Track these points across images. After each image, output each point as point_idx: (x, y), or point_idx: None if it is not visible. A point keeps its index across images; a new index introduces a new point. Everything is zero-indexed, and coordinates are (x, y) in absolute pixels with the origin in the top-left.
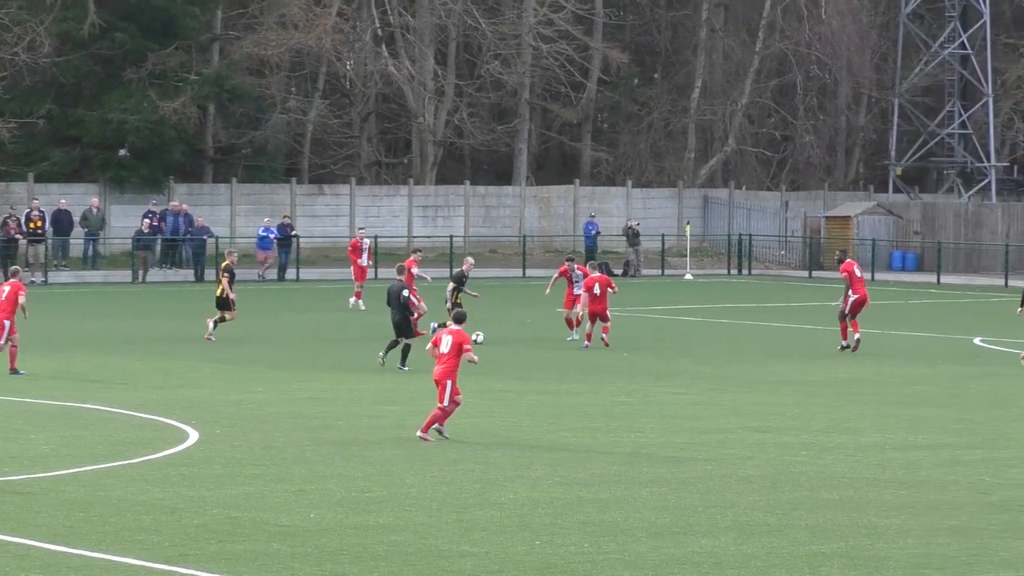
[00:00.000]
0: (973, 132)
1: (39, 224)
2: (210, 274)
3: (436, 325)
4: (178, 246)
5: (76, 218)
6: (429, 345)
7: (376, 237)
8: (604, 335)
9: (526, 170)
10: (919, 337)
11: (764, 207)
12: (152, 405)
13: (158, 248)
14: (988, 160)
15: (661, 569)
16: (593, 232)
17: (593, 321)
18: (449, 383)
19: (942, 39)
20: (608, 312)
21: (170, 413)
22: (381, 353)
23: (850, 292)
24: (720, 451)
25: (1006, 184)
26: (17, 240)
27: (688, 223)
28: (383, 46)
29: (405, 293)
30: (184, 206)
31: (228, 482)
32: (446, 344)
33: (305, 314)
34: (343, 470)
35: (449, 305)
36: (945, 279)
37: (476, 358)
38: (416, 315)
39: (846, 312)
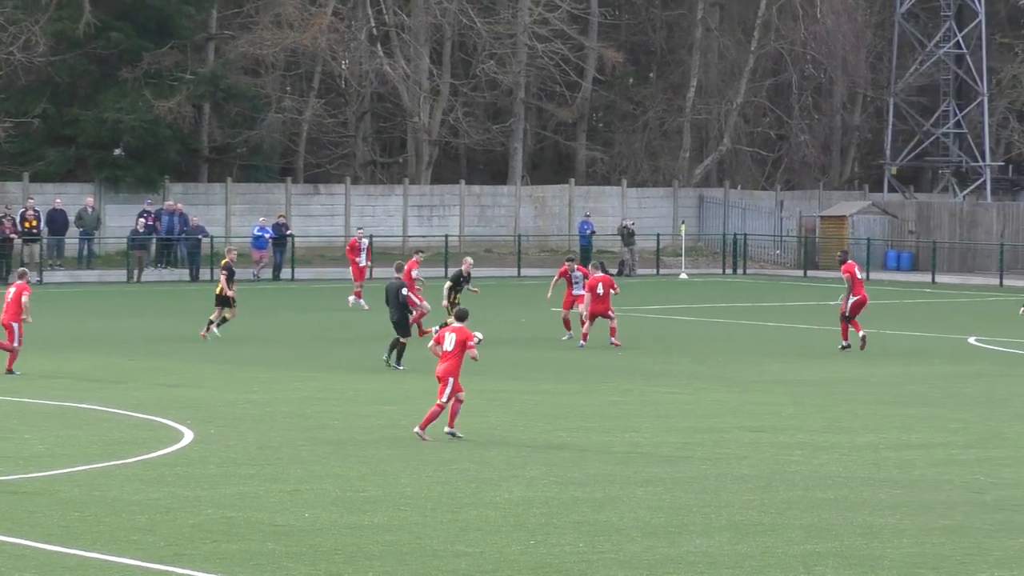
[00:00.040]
0: (968, 131)
1: (34, 224)
2: (205, 274)
3: (438, 328)
4: (173, 246)
5: (71, 218)
6: (431, 343)
7: (371, 236)
8: (613, 338)
9: (521, 169)
10: (914, 336)
11: (759, 206)
12: (147, 405)
13: (153, 248)
14: (983, 159)
15: (656, 568)
16: (588, 232)
17: (593, 320)
18: (451, 380)
19: (937, 38)
20: (611, 312)
21: (165, 413)
22: (385, 356)
23: (850, 294)
24: (715, 450)
25: (1001, 183)
26: (12, 240)
27: (683, 222)
28: (378, 45)
29: (404, 291)
30: (179, 206)
31: (223, 482)
32: (450, 341)
33: (300, 314)
34: (338, 470)
35: (446, 304)
36: (940, 279)
37: (478, 355)
38: (419, 313)
39: (846, 313)
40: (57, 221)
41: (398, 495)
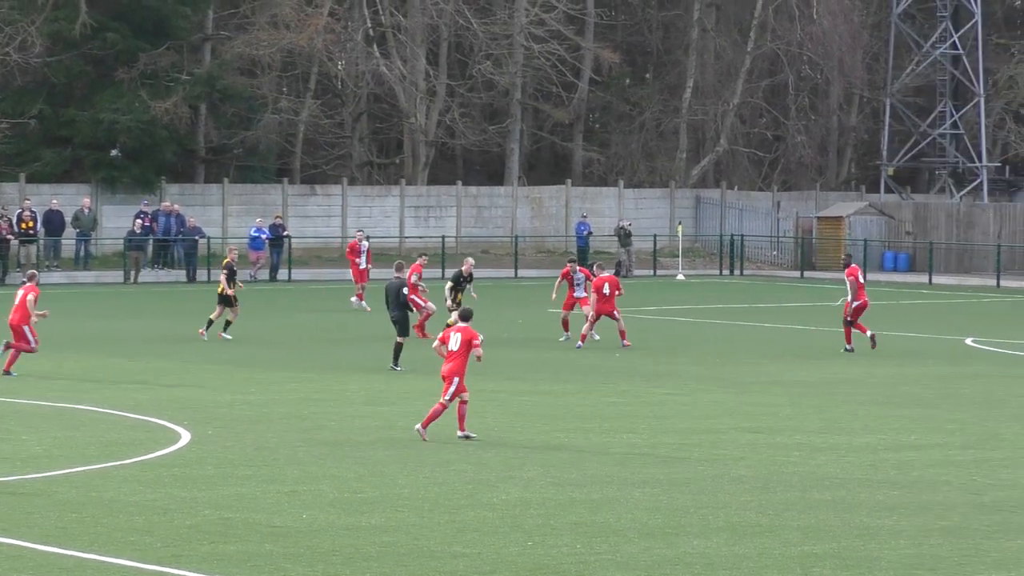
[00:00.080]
0: (965, 132)
1: (31, 224)
2: (202, 274)
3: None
4: (170, 246)
5: (68, 218)
6: (436, 343)
7: (368, 237)
8: (624, 340)
9: (518, 170)
10: (911, 338)
11: (756, 207)
12: (144, 406)
13: (150, 248)
14: (980, 160)
15: (653, 570)
16: (585, 232)
17: (598, 319)
18: (456, 380)
19: (933, 39)
20: (617, 312)
21: (162, 414)
22: (391, 365)
23: (854, 298)
24: (712, 452)
25: (998, 184)
26: (9, 241)
27: (680, 223)
28: (375, 46)
29: (405, 290)
30: (176, 206)
31: (220, 483)
32: (455, 341)
33: (297, 315)
34: (335, 471)
35: (450, 303)
36: (937, 279)
37: (482, 353)
38: (425, 315)
39: (847, 318)
40: (54, 222)
41: (395, 496)
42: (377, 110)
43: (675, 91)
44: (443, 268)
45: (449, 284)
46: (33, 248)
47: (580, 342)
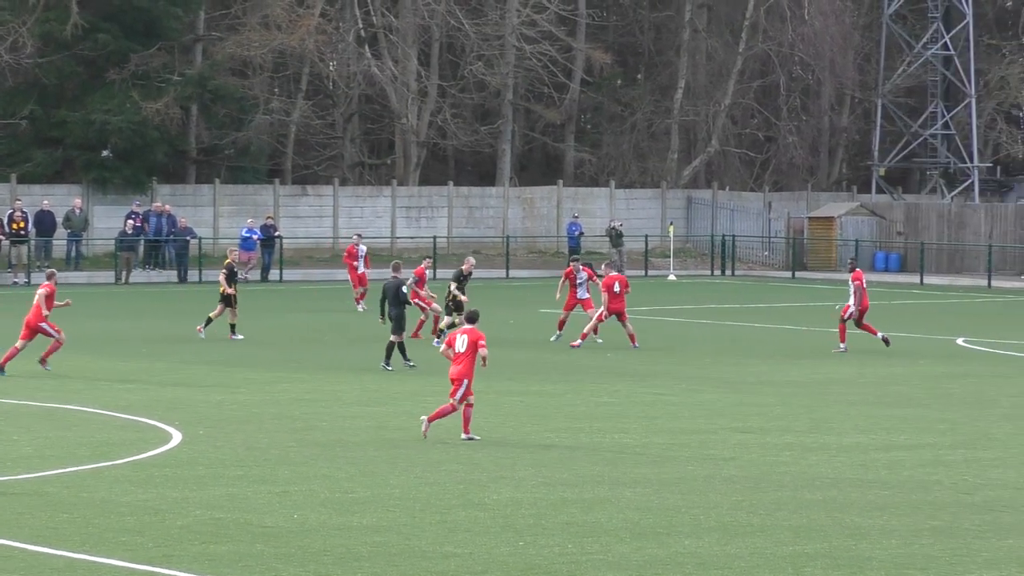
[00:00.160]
0: (956, 133)
1: (22, 225)
2: (193, 275)
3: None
4: (161, 247)
5: (59, 219)
6: (443, 347)
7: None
8: (632, 342)
9: (509, 171)
10: (902, 338)
11: (747, 208)
12: (135, 406)
13: (141, 249)
14: (971, 161)
15: (645, 570)
16: (576, 233)
17: (605, 319)
18: (466, 382)
19: (925, 40)
20: (626, 314)
21: (153, 414)
22: (403, 361)
23: (850, 302)
24: (703, 452)
25: (989, 185)
26: (0, 241)
27: (671, 224)
28: (366, 47)
29: (404, 289)
30: (167, 207)
31: (211, 483)
32: (461, 343)
33: (288, 315)
34: (327, 471)
35: (462, 298)
36: (928, 279)
37: (487, 354)
38: (435, 317)
39: (847, 318)
40: (45, 222)
41: (387, 496)
42: (368, 111)
43: (666, 92)
44: (434, 269)
45: (453, 285)
46: (24, 249)
47: (580, 340)
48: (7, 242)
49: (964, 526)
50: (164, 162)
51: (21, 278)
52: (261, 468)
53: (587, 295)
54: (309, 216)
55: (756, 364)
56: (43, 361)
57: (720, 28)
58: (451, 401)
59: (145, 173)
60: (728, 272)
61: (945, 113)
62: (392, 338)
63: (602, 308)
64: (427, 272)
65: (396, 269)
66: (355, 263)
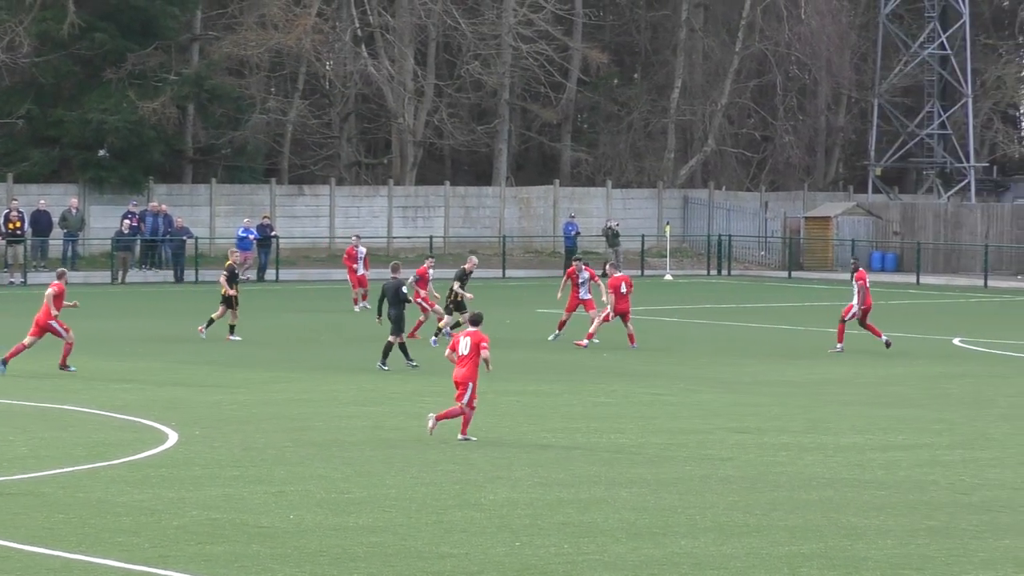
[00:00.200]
0: (952, 132)
1: (18, 225)
2: (189, 275)
3: (449, 332)
4: (157, 247)
5: (55, 219)
6: (447, 351)
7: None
8: (631, 342)
9: (506, 170)
10: (898, 337)
11: (744, 207)
12: (131, 406)
13: (137, 249)
14: (967, 160)
15: (641, 570)
16: (573, 233)
17: (611, 319)
18: (471, 385)
19: (921, 39)
20: (629, 315)
21: (149, 414)
22: (406, 361)
23: (855, 301)
24: (700, 452)
25: (985, 184)
26: None
27: (668, 224)
28: (363, 46)
29: (404, 289)
30: (163, 207)
31: (208, 483)
32: (465, 345)
33: (285, 315)
34: (323, 471)
35: (451, 300)
36: (924, 279)
37: (489, 356)
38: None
39: (848, 319)
40: (41, 222)
41: (383, 496)
42: (365, 110)
43: (663, 91)
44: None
45: (457, 284)
46: (21, 248)
47: (585, 340)
48: (3, 242)
49: (961, 526)
50: (161, 162)
51: (17, 278)
52: (257, 468)
53: (588, 295)
54: (306, 216)
55: (753, 364)
56: (64, 367)
57: (717, 27)
58: (461, 405)
59: (142, 173)
60: (724, 272)
61: (941, 113)
62: (390, 339)
63: (607, 309)
64: (430, 271)
65: (395, 270)
66: (355, 265)
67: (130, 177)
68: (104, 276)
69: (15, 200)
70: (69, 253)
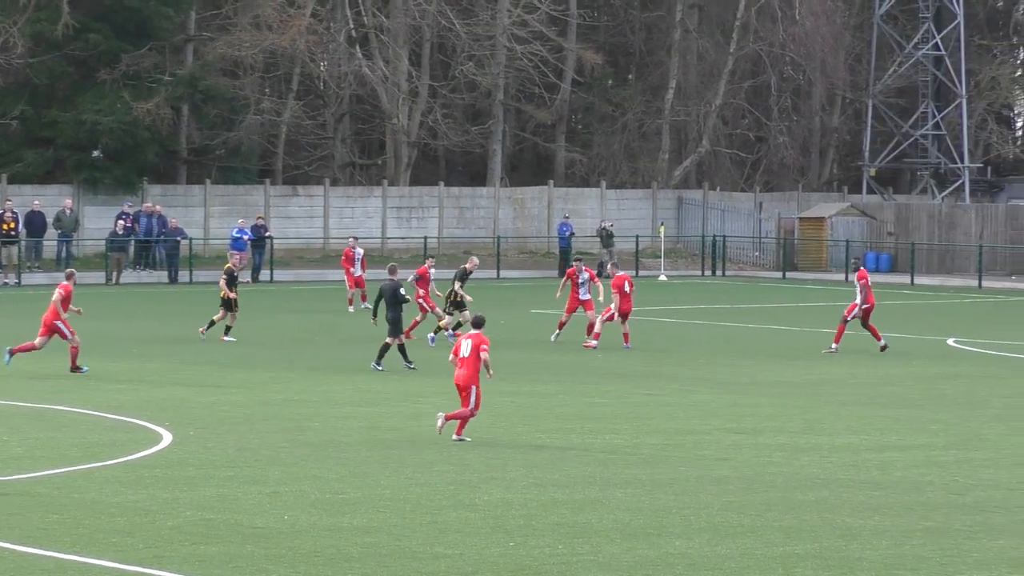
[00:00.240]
0: (947, 133)
1: (12, 225)
2: (184, 276)
3: (451, 333)
4: (152, 247)
5: (49, 219)
6: (451, 356)
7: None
8: (626, 341)
9: (500, 171)
10: (893, 338)
11: (738, 208)
12: (126, 407)
13: (131, 249)
14: (962, 161)
15: (635, 570)
16: (567, 233)
17: (614, 318)
18: (474, 388)
19: (916, 40)
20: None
21: (144, 415)
22: (404, 363)
23: (856, 300)
24: (694, 452)
25: (979, 185)
26: None
27: (662, 224)
28: (357, 47)
29: (401, 291)
30: (158, 207)
31: (202, 484)
32: (466, 348)
33: (279, 315)
34: (317, 472)
35: (450, 300)
36: (919, 280)
37: (488, 358)
38: (439, 319)
39: (851, 318)
40: (35, 223)
41: (377, 497)
42: (359, 111)
43: (657, 92)
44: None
45: (458, 284)
46: (15, 249)
47: (594, 341)
48: None
49: (956, 527)
50: (155, 162)
51: (11, 279)
52: (252, 469)
53: (588, 296)
54: (300, 216)
55: (749, 365)
56: (76, 368)
57: (711, 28)
58: (470, 408)
59: (136, 173)
60: (719, 272)
61: (936, 113)
62: (388, 340)
63: (611, 308)
64: (431, 271)
65: (392, 272)
66: (352, 267)
67: (124, 178)
68: (98, 277)
69: (9, 201)
70: (63, 254)
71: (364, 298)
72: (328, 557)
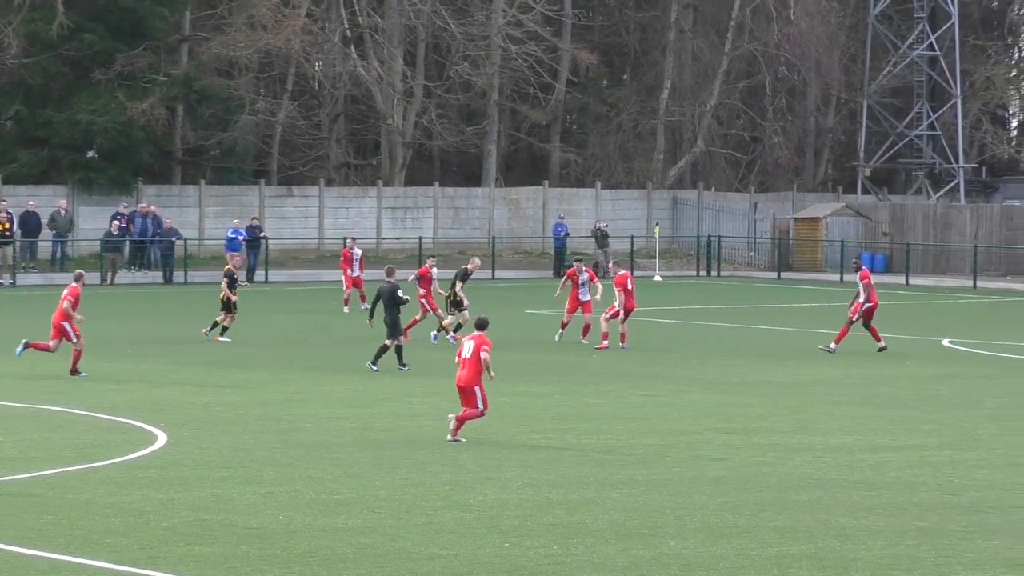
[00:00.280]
0: (941, 133)
1: (7, 226)
2: (178, 276)
3: (452, 335)
4: (146, 248)
5: (44, 220)
6: (456, 358)
7: (344, 239)
8: (622, 341)
9: (495, 171)
10: (888, 338)
11: (733, 208)
12: (121, 407)
13: (126, 250)
14: (956, 161)
15: (630, 571)
16: (562, 233)
17: (617, 315)
18: (477, 390)
19: (911, 40)
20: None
21: (139, 415)
22: (398, 365)
23: (860, 299)
24: (690, 452)
25: (974, 185)
26: None
27: (657, 224)
28: (352, 47)
29: (400, 293)
30: (152, 208)
31: (197, 484)
32: (468, 349)
33: (274, 316)
34: (312, 472)
35: (450, 299)
36: (914, 280)
37: (488, 358)
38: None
39: (856, 319)
40: (30, 223)
41: (372, 497)
42: (354, 111)
43: (652, 92)
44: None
45: (459, 284)
46: (9, 249)
47: (604, 342)
48: None
49: (950, 527)
50: (150, 163)
51: (6, 279)
52: (246, 469)
53: (588, 296)
54: (295, 217)
55: (742, 365)
56: (75, 371)
57: (706, 28)
58: (479, 410)
59: (131, 174)
60: (714, 273)
61: (931, 114)
62: (386, 342)
63: (614, 306)
64: (432, 271)
65: (390, 274)
66: (350, 268)
67: (119, 178)
68: (93, 277)
69: (4, 201)
70: (58, 254)
71: (363, 299)
72: (323, 558)
